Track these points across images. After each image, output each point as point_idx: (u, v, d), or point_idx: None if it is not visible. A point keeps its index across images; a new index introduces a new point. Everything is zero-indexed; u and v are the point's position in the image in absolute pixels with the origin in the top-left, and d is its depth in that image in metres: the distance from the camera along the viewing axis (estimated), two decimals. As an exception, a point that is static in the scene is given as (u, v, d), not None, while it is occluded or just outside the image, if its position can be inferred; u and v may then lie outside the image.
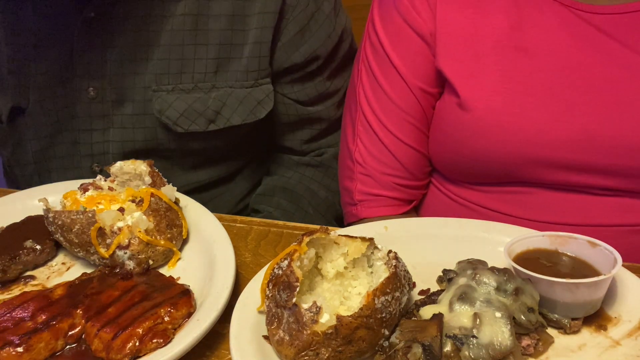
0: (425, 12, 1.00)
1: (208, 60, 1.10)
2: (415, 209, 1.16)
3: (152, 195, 0.91)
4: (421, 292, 0.80)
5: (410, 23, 1.01)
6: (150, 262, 0.87)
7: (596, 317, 0.73)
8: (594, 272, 0.74)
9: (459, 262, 0.78)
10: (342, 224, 1.31)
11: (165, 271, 0.87)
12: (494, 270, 0.72)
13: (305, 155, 1.30)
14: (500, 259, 0.77)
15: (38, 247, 0.90)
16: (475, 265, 0.75)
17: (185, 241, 0.93)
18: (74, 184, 0.98)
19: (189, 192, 1.13)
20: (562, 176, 0.94)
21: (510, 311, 0.68)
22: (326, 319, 0.66)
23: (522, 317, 0.68)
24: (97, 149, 1.14)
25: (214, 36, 1.10)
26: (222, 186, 1.25)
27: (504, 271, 0.72)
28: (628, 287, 0.75)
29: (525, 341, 0.69)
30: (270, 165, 1.33)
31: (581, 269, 0.75)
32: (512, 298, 0.69)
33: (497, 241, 0.84)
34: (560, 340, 0.71)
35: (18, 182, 1.25)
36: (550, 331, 0.72)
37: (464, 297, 0.69)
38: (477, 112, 0.95)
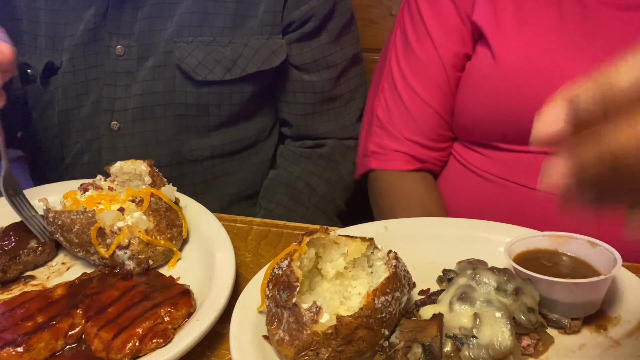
0: None
1: (227, 15, 1.18)
2: (431, 173, 1.17)
3: (152, 195, 0.91)
4: (421, 292, 0.80)
5: None
6: (150, 262, 0.87)
7: (596, 317, 0.73)
8: (594, 272, 0.74)
9: (459, 262, 0.78)
10: (343, 220, 1.32)
11: (165, 271, 0.87)
12: (494, 270, 0.72)
13: (304, 140, 1.32)
14: (500, 259, 0.77)
15: (38, 247, 0.90)
16: (475, 265, 0.75)
17: (185, 241, 0.93)
18: (74, 184, 0.98)
19: (202, 160, 1.21)
20: None
21: (510, 311, 0.68)
22: (326, 319, 0.66)
23: (522, 317, 0.69)
24: (119, 104, 1.20)
25: None
26: (233, 160, 1.28)
27: (504, 271, 0.72)
28: (628, 287, 0.75)
29: (525, 341, 0.69)
30: (277, 158, 1.35)
31: (581, 269, 0.75)
32: (512, 298, 0.69)
33: (497, 241, 0.84)
34: (560, 340, 0.71)
35: (39, 147, 1.28)
36: (550, 331, 0.72)
37: (464, 297, 0.69)
38: (512, 63, 0.98)
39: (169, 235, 0.89)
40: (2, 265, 0.86)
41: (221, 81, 1.18)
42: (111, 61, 1.18)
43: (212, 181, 1.27)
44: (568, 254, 0.78)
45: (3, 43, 0.88)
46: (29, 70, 1.19)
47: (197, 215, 0.97)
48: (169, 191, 0.94)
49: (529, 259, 0.77)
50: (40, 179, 1.31)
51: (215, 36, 1.18)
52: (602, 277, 0.70)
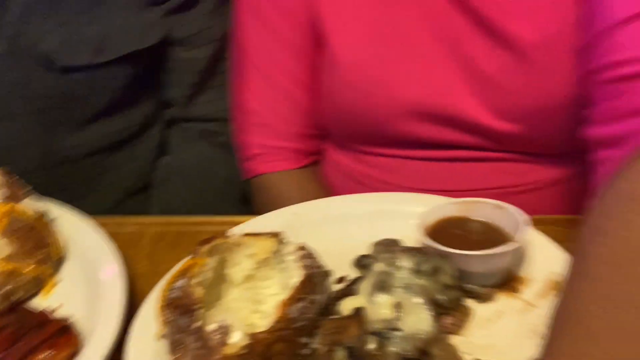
0: None
1: None
2: (317, 164, 1.09)
3: (10, 212, 0.75)
4: (338, 281, 0.75)
5: None
6: (19, 294, 0.72)
7: (508, 281, 0.73)
8: (504, 236, 0.73)
9: (375, 245, 0.74)
10: (247, 206, 1.23)
11: (40, 302, 0.73)
12: (410, 251, 0.69)
13: (194, 122, 1.19)
14: (415, 233, 0.74)
15: None
16: (390, 248, 0.71)
17: (61, 261, 0.79)
18: None
19: (80, 158, 1.08)
20: (434, 131, 0.93)
21: (429, 293, 0.65)
22: (237, 339, 0.58)
23: (442, 296, 0.66)
24: None
25: None
26: (118, 152, 1.12)
27: (420, 250, 0.69)
28: (534, 246, 0.76)
29: (446, 319, 0.67)
30: (169, 142, 1.21)
31: (492, 234, 0.75)
32: (431, 279, 0.67)
33: (410, 213, 0.81)
34: (478, 311, 0.70)
35: None
36: (468, 303, 0.71)
37: (383, 285, 0.65)
38: (345, 64, 0.90)
39: (38, 258, 0.75)
40: None
41: (89, 66, 1.00)
42: None
43: (95, 180, 1.11)
44: (478, 219, 0.77)
45: None
46: None
47: (73, 226, 0.82)
48: (33, 204, 0.78)
49: (441, 229, 0.75)
50: None
51: (74, 13, 0.97)
52: (515, 245, 0.70)
